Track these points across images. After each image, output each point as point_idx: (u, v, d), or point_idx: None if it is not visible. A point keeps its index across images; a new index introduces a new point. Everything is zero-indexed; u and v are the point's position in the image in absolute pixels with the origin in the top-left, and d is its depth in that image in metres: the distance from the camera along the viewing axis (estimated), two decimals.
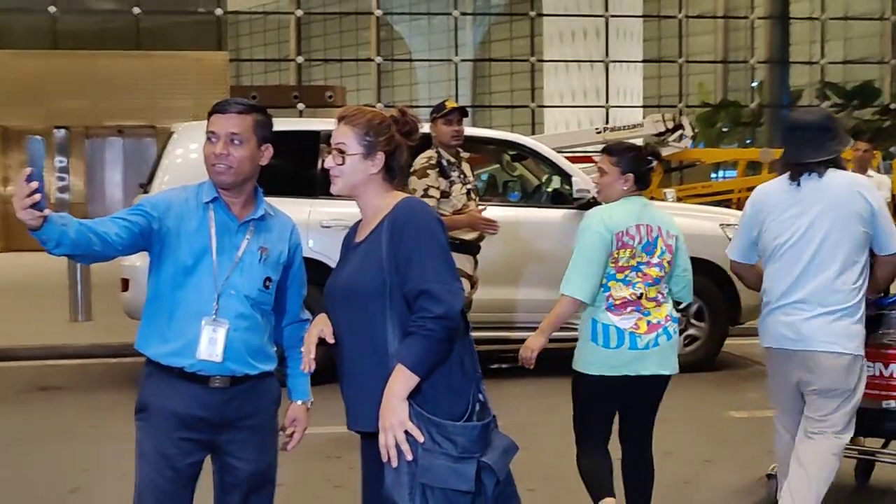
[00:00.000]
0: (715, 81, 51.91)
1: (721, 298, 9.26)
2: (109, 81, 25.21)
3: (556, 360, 6.49)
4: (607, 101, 36.18)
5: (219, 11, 32.51)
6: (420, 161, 6.96)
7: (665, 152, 27.29)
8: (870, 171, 9.79)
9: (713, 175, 38.00)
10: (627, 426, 4.87)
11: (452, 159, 7.08)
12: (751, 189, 24.86)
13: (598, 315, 4.64)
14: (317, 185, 8.79)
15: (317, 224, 8.51)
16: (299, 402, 3.83)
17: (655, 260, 4.70)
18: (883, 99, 39.59)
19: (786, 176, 4.80)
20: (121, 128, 27.73)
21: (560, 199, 9.34)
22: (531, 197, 10.25)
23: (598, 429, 4.78)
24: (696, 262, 9.21)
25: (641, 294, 4.64)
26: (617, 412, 4.82)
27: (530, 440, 4.48)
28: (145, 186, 9.18)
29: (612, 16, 37.13)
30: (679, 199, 24.42)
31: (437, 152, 6.99)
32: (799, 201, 4.71)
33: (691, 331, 9.25)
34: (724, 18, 50.41)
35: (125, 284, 8.88)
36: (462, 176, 7.09)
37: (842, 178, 4.75)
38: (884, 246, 4.70)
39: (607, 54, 36.85)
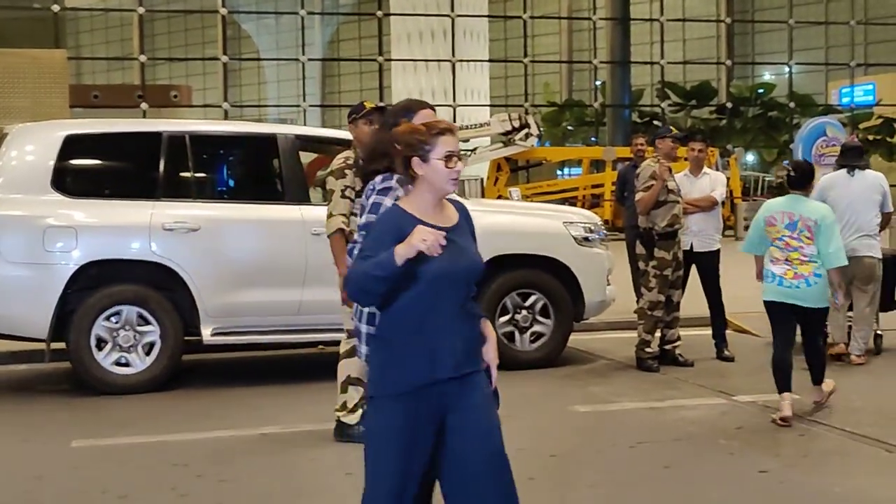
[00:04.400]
0: (560, 81, 52.88)
1: (566, 295, 9.43)
2: None
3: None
4: (455, 101, 36.42)
5: (56, 7, 31.59)
6: (337, 161, 6.93)
7: (512, 151, 27.73)
8: (706, 169, 10.07)
9: (559, 173, 38.69)
10: None
11: None
12: (596, 186, 25.61)
13: None
14: (159, 187, 8.66)
15: (159, 226, 8.38)
16: None
17: None
18: (719, 98, 40.88)
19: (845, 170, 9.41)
20: None
21: None
22: None
23: None
24: (540, 259, 9.48)
25: None
26: None
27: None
28: None
29: (459, 16, 37.43)
30: (526, 198, 24.74)
31: (356, 152, 6.98)
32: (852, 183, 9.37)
33: (537, 328, 9.38)
34: (568, 19, 51.39)
35: None
36: None
37: (871, 173, 9.63)
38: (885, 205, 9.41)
39: (454, 54, 37.12)
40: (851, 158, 9.68)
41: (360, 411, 6.85)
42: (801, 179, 7.39)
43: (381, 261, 3.68)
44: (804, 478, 6.03)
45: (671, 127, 10.52)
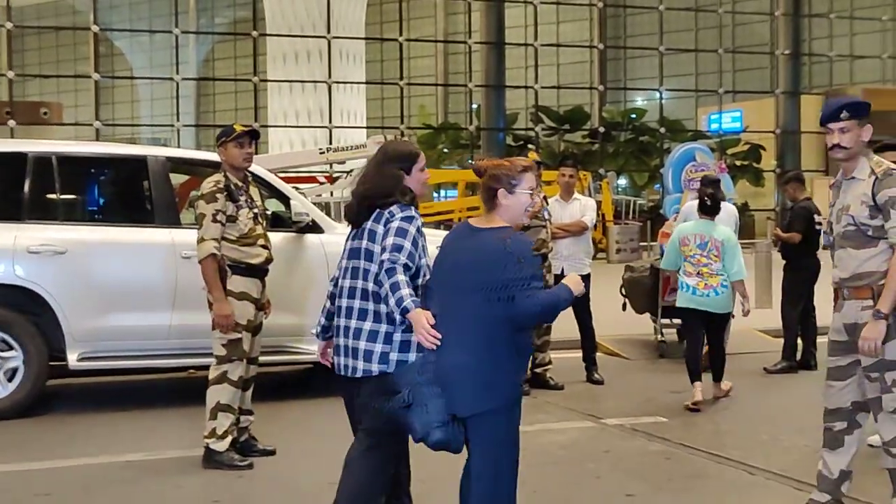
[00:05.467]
0: (436, 104, 53.17)
1: None
2: None
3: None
4: (331, 122, 36.35)
5: None
6: (208, 185, 6.83)
7: None
8: (576, 195, 10.24)
9: (435, 195, 38.83)
10: None
11: (240, 183, 6.97)
12: (472, 209, 25.76)
13: None
14: (24, 209, 8.45)
15: (24, 249, 8.17)
16: None
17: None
18: (592, 122, 41.55)
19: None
20: None
21: (279, 222, 9.31)
22: None
23: None
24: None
25: None
26: None
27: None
28: None
29: (335, 37, 37.40)
30: None
31: (226, 176, 6.88)
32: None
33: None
34: (444, 42, 51.75)
35: None
36: (249, 200, 6.99)
37: (726, 205, 9.59)
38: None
39: (330, 75, 37.06)
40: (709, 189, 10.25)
41: (229, 438, 6.78)
42: (713, 208, 8.96)
43: (564, 295, 4.38)
44: (670, 501, 6.16)
45: (529, 153, 10.61)
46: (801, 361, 10.65)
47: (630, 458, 7.12)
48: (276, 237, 8.60)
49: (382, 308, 4.73)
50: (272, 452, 7.11)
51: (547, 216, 9.52)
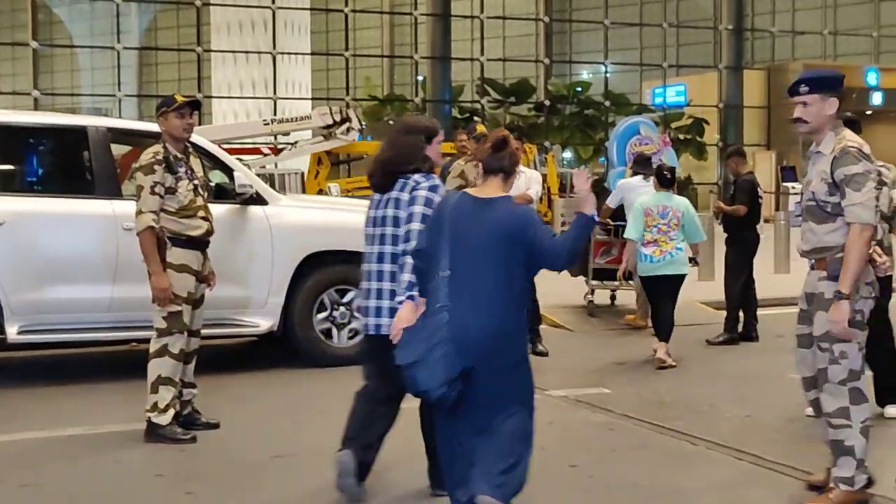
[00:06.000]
0: (382, 75, 52.92)
1: None
2: None
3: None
4: (275, 93, 36.07)
5: None
6: (146, 157, 6.73)
7: (333, 145, 27.56)
8: (521, 168, 10.19)
9: None
10: None
11: (180, 154, 6.88)
12: None
13: None
14: None
15: None
16: None
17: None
18: (538, 95, 41.54)
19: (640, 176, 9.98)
20: None
21: (223, 194, 9.22)
22: None
23: None
24: (358, 255, 9.42)
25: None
26: None
27: None
28: None
29: (280, 8, 37.03)
30: (347, 192, 24.60)
31: (165, 147, 6.78)
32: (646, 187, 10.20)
33: (354, 324, 9.34)
34: (390, 14, 51.50)
35: None
36: (189, 172, 6.90)
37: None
38: None
39: (275, 46, 36.74)
40: (642, 167, 11.65)
41: (171, 411, 6.73)
42: (671, 181, 10.07)
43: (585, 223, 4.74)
44: (612, 472, 6.21)
45: (476, 125, 10.61)
46: (742, 333, 10.77)
47: (574, 430, 7.16)
48: (219, 209, 8.53)
49: None
50: (216, 426, 7.07)
51: None
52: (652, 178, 10.44)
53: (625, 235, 10.02)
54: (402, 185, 5.34)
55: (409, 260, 5.01)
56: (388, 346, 4.90)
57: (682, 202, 9.92)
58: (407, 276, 5.00)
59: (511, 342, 4.69)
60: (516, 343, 4.75)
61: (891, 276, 6.56)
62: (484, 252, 4.64)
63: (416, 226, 5.11)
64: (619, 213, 11.42)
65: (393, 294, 5.19)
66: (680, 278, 9.82)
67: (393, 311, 5.10)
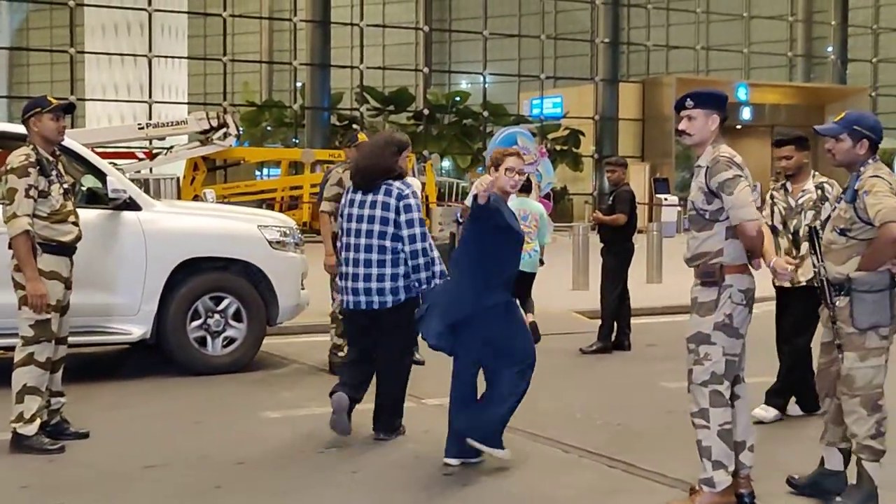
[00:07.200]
0: (260, 81, 52.52)
1: (259, 299, 9.37)
2: None
3: None
4: (151, 97, 35.51)
5: None
6: (18, 159, 6.52)
7: (210, 150, 27.22)
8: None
9: (257, 174, 38.38)
10: None
11: (51, 158, 6.69)
12: (294, 188, 25.70)
13: None
14: None
15: None
16: None
17: None
18: (417, 104, 41.65)
19: None
20: None
21: (95, 199, 9.03)
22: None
23: None
24: (234, 262, 9.37)
25: None
26: None
27: None
28: None
29: (157, 10, 36.49)
30: (223, 198, 24.33)
31: (36, 150, 6.58)
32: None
33: (229, 332, 9.26)
34: (269, 20, 51.13)
35: None
36: (59, 175, 6.72)
37: None
38: None
39: (151, 49, 36.17)
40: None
41: (38, 421, 6.57)
42: (528, 188, 11.06)
43: None
44: (486, 479, 6.24)
45: (357, 135, 10.60)
46: (615, 342, 10.92)
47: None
48: (90, 214, 8.39)
49: (400, 257, 6.72)
50: (85, 435, 6.92)
51: None
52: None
53: None
54: (386, 191, 6.69)
55: (435, 254, 6.71)
56: (375, 318, 6.75)
57: (537, 207, 11.22)
58: (438, 267, 6.73)
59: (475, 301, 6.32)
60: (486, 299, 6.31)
61: (808, 286, 6.88)
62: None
63: (418, 230, 6.68)
64: None
65: (381, 277, 6.72)
66: (534, 276, 10.89)
67: (380, 291, 6.71)
